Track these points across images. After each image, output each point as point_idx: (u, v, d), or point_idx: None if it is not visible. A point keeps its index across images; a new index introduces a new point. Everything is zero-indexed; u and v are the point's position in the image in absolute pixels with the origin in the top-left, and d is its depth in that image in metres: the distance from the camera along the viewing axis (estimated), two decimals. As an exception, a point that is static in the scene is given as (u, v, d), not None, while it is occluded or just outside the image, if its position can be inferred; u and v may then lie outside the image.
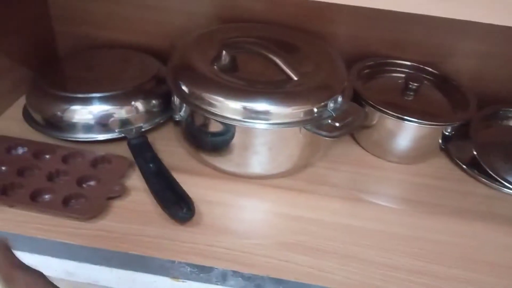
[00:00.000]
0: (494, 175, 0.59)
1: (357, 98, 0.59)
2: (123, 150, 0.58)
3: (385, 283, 0.45)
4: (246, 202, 0.55)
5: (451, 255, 0.50)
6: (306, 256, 0.48)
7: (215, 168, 0.58)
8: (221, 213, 0.52)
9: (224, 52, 0.55)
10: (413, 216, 0.55)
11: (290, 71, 0.54)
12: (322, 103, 0.52)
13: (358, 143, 0.65)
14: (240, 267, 0.46)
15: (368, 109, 0.60)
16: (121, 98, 0.59)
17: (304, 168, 0.59)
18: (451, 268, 0.48)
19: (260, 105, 0.51)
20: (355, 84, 0.61)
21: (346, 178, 0.60)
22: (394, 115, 0.58)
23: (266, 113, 0.51)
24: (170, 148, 0.60)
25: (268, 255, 0.47)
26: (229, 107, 0.51)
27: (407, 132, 0.60)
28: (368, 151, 0.64)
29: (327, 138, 0.54)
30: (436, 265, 0.48)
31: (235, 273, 0.45)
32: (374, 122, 0.61)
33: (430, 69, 0.67)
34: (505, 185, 0.58)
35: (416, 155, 0.63)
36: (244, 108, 0.51)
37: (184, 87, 0.53)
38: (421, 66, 0.67)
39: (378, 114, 0.60)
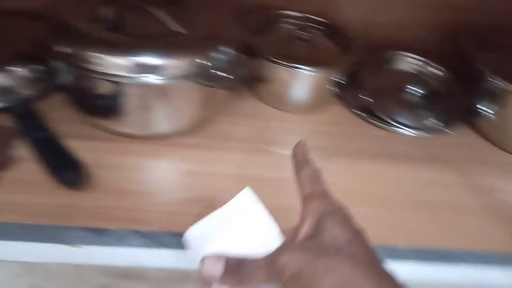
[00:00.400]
0: (386, 118, 0.63)
1: (250, 51, 0.59)
2: (7, 120, 0.54)
3: (287, 226, 0.47)
4: (146, 163, 0.54)
5: (352, 194, 0.53)
6: (206, 208, 0.48)
7: (111, 131, 0.56)
8: (120, 176, 0.51)
9: (106, 8, 0.52)
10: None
11: (175, 24, 0.53)
12: (210, 55, 0.52)
13: (257, 97, 0.66)
14: (140, 225, 0.45)
15: (262, 61, 0.61)
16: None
17: (204, 125, 0.59)
18: (352, 206, 0.51)
19: (146, 59, 0.49)
20: (247, 37, 0.61)
21: (247, 132, 0.61)
22: (287, 65, 0.60)
23: (152, 67, 0.49)
24: (60, 114, 0.56)
25: (169, 211, 0.48)
26: (114, 64, 0.49)
27: (301, 81, 0.62)
28: (268, 104, 0.65)
29: (217, 89, 0.55)
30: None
31: (134, 232, 0.45)
32: (270, 74, 0.62)
33: (321, 19, 0.69)
34: (397, 126, 0.63)
35: (313, 103, 0.65)
36: (130, 63, 0.49)
37: (65, 49, 0.50)
38: (312, 16, 0.68)
39: (272, 65, 0.61)
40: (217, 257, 0.30)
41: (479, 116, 0.63)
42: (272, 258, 0.28)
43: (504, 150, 0.62)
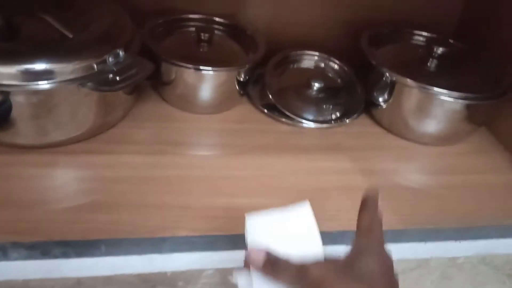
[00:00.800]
0: (291, 114, 0.65)
1: (153, 56, 0.59)
2: None
3: (177, 223, 0.47)
4: (38, 172, 0.51)
5: (253, 187, 0.53)
6: (99, 214, 0.47)
7: (1, 143, 0.53)
8: (6, 187, 0.48)
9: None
10: (215, 159, 0.58)
11: (64, 28, 0.52)
12: (100, 59, 0.51)
13: (164, 100, 0.66)
14: (21, 237, 0.43)
15: (164, 65, 0.61)
16: None
17: (104, 130, 0.58)
18: (251, 198, 0.52)
19: (34, 65, 0.47)
20: (149, 42, 0.61)
21: (151, 134, 0.60)
22: (189, 67, 0.60)
23: (41, 73, 0.48)
24: None
25: (57, 220, 0.45)
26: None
27: (205, 82, 0.62)
28: (174, 106, 0.65)
29: (116, 93, 0.54)
30: (236, 198, 0.51)
31: (15, 244, 0.42)
32: (173, 77, 0.62)
33: (224, 20, 0.69)
34: (300, 120, 0.64)
35: (219, 103, 0.65)
36: (16, 71, 0.47)
37: None
38: (215, 18, 0.69)
39: (175, 68, 0.61)
40: (262, 250, 0.35)
41: (374, 105, 0.67)
42: (304, 264, 0.33)
43: (394, 134, 0.65)
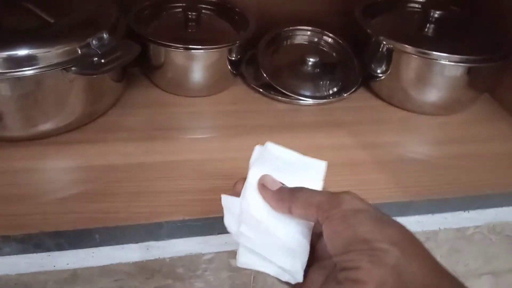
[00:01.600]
0: (287, 92, 0.63)
1: (141, 40, 0.57)
2: None
3: (173, 208, 0.45)
4: (26, 165, 0.49)
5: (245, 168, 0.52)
6: (92, 203, 0.45)
7: (-13, 137, 0.51)
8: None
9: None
10: (210, 141, 0.56)
11: (46, 14, 0.50)
12: (83, 42, 0.49)
13: (156, 84, 0.63)
14: (13, 231, 0.41)
15: (153, 48, 0.59)
16: None
17: (94, 118, 0.56)
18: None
19: (16, 52, 0.46)
20: (136, 25, 0.59)
21: (143, 121, 0.58)
22: (178, 47, 0.58)
23: (24, 59, 0.46)
24: None
25: (49, 212, 0.44)
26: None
27: (195, 62, 0.60)
28: (165, 91, 0.63)
29: (105, 80, 0.53)
30: (233, 180, 0.49)
31: (7, 238, 0.41)
32: (163, 60, 0.60)
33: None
34: (296, 98, 0.62)
35: (211, 85, 0.63)
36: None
37: None
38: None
39: (163, 50, 0.59)
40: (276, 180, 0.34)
41: (373, 77, 0.64)
42: (335, 193, 0.30)
43: (395, 106, 0.63)
